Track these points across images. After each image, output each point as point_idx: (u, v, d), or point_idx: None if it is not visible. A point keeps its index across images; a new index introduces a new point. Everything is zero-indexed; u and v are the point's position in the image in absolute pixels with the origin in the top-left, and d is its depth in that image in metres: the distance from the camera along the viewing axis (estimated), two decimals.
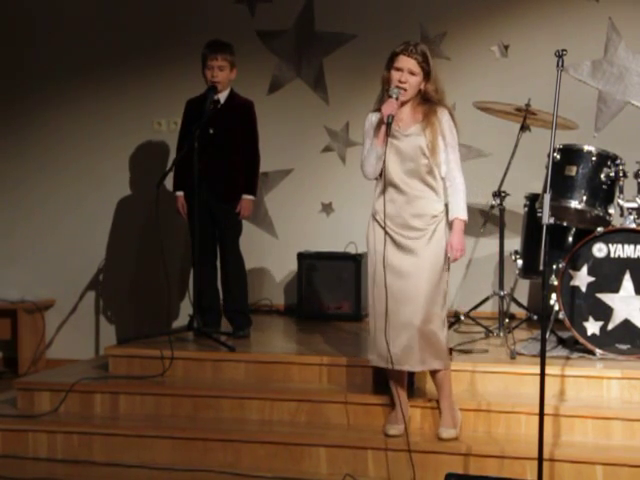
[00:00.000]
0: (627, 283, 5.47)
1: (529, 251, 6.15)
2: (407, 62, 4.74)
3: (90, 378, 5.60)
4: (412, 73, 4.75)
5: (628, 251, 5.48)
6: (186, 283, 7.14)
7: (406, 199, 4.79)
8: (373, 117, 4.87)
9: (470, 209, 4.96)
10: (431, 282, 4.78)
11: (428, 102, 4.82)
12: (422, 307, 4.76)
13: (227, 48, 6.05)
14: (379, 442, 4.92)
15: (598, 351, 5.46)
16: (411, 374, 5.11)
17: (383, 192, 4.81)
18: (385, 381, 5.06)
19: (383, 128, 4.73)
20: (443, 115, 4.80)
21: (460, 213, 4.82)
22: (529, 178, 6.29)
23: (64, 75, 7.48)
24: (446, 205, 4.86)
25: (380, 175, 4.84)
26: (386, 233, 4.79)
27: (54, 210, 7.51)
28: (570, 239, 5.98)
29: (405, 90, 4.75)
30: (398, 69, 4.75)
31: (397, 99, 4.73)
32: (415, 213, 4.78)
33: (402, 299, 4.77)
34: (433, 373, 4.93)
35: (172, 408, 5.39)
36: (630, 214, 5.65)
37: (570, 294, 5.53)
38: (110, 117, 7.44)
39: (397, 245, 4.80)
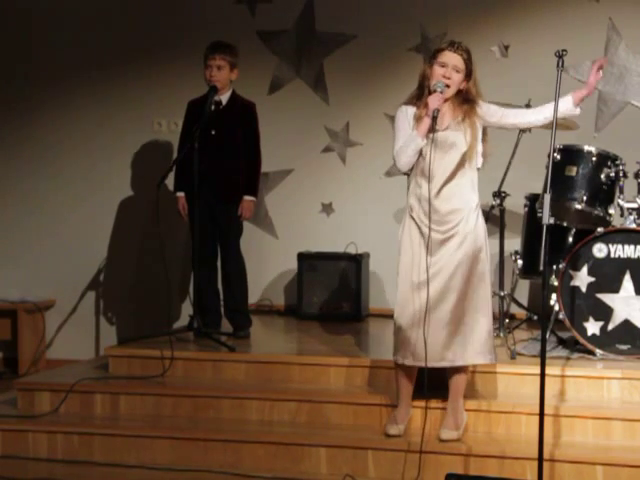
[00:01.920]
0: (627, 283, 5.47)
1: (529, 251, 6.15)
2: (453, 58, 4.71)
3: (90, 378, 5.60)
4: (456, 70, 4.71)
5: (628, 251, 5.48)
6: (186, 283, 7.15)
7: (443, 195, 4.75)
8: (408, 110, 4.80)
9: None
10: (471, 279, 4.74)
11: (469, 102, 4.78)
12: (462, 304, 4.74)
13: (227, 48, 6.04)
14: (379, 442, 4.92)
15: (598, 351, 5.46)
16: (424, 374, 5.03)
17: (419, 188, 4.77)
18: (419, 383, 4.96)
19: (427, 121, 4.67)
20: (480, 105, 4.77)
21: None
22: (529, 178, 6.29)
23: (64, 75, 7.48)
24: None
25: (411, 170, 4.80)
26: (421, 229, 4.75)
27: (54, 210, 7.51)
28: (570, 239, 5.98)
29: (448, 87, 4.70)
30: (443, 64, 4.71)
31: (442, 92, 4.67)
32: (451, 208, 4.75)
33: (440, 295, 4.73)
34: (453, 372, 4.88)
35: (172, 408, 5.39)
36: (630, 214, 5.65)
37: (570, 294, 5.53)
38: (110, 117, 7.44)
39: (435, 244, 4.75)
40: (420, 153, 4.73)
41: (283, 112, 7.20)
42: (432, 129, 4.67)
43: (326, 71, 7.23)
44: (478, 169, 4.83)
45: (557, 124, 4.51)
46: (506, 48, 6.95)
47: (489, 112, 4.82)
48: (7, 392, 5.95)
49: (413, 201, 4.81)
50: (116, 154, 7.41)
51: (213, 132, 6.02)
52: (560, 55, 4.49)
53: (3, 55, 7.59)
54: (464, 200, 4.78)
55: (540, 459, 4.22)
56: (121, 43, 7.40)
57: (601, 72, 4.79)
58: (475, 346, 4.79)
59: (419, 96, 4.80)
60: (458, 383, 4.90)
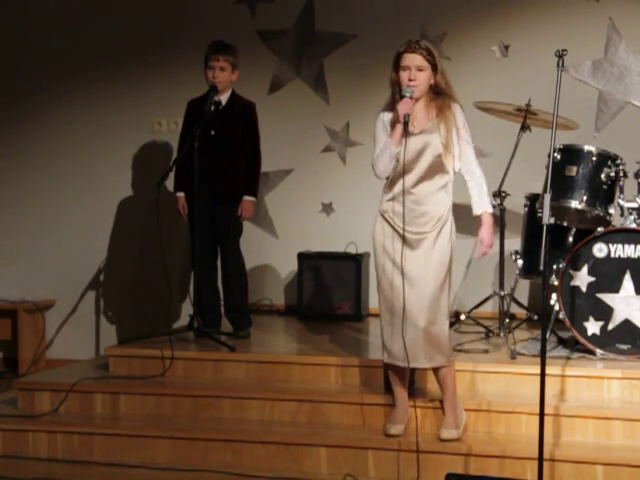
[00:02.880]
0: (627, 283, 5.47)
1: (529, 251, 6.15)
2: (413, 59, 4.73)
3: (90, 378, 5.60)
4: (420, 69, 4.73)
5: (628, 251, 5.48)
6: (187, 283, 7.15)
7: (415, 198, 4.77)
8: (385, 116, 4.84)
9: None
10: (436, 281, 4.77)
11: (440, 96, 4.80)
12: (427, 305, 4.76)
13: (229, 49, 6.04)
14: (380, 442, 4.92)
15: (598, 351, 5.46)
16: (412, 373, 5.12)
17: (392, 190, 4.81)
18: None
19: (399, 127, 4.70)
20: (457, 110, 4.81)
21: (487, 207, 4.84)
22: (529, 178, 6.29)
23: (64, 75, 7.48)
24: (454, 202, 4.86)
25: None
26: (395, 231, 4.79)
27: (54, 210, 7.52)
28: (570, 239, 5.98)
29: (416, 87, 4.73)
30: (405, 68, 4.74)
31: (411, 98, 4.71)
32: (424, 211, 4.77)
33: (409, 297, 4.75)
34: (436, 371, 4.92)
35: (172, 408, 5.39)
36: (630, 214, 5.65)
37: (570, 294, 5.53)
38: (110, 117, 7.44)
39: (405, 243, 4.77)
40: (397, 159, 4.76)
41: (283, 112, 7.20)
42: (404, 134, 4.69)
43: (326, 71, 7.23)
44: (455, 173, 4.84)
45: (557, 124, 4.50)
46: (506, 48, 6.95)
47: (459, 121, 4.81)
48: (7, 392, 5.95)
49: (386, 202, 4.84)
50: (116, 154, 7.41)
51: (213, 132, 6.02)
52: (560, 55, 4.49)
53: (3, 55, 7.59)
54: (437, 204, 4.79)
55: (540, 459, 4.22)
56: (121, 43, 7.40)
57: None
58: (437, 348, 4.81)
59: (394, 102, 4.82)
60: (446, 380, 4.91)
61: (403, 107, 4.69)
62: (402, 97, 4.72)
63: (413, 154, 4.77)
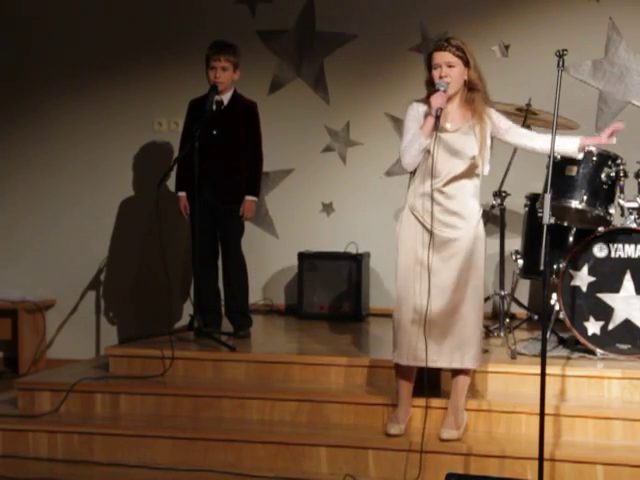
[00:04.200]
0: (628, 283, 5.47)
1: (530, 251, 6.15)
2: (442, 56, 4.73)
3: (91, 378, 5.60)
4: (450, 65, 4.72)
5: (629, 251, 5.48)
6: (187, 283, 7.15)
7: (445, 196, 4.76)
8: (420, 107, 4.81)
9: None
10: (469, 282, 4.76)
11: (474, 92, 4.79)
12: (459, 306, 4.75)
13: (231, 49, 6.04)
14: (380, 442, 4.92)
15: (599, 351, 5.46)
16: (434, 375, 5.07)
17: (422, 187, 4.77)
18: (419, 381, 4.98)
19: (431, 120, 4.68)
20: (492, 114, 4.81)
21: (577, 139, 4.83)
22: (530, 178, 6.29)
23: (64, 75, 7.48)
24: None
25: (416, 169, 4.80)
26: (425, 229, 4.75)
27: (55, 210, 7.52)
28: (571, 239, 5.98)
29: (449, 83, 4.73)
30: (436, 66, 4.74)
31: (445, 91, 4.69)
32: (454, 211, 4.76)
33: (439, 298, 4.73)
34: (456, 373, 4.89)
35: (173, 408, 5.38)
36: (631, 214, 5.65)
37: (571, 294, 5.53)
38: (110, 117, 7.44)
39: (433, 242, 4.74)
40: (428, 152, 4.73)
41: (283, 112, 7.20)
42: (435, 128, 4.67)
43: (326, 71, 7.23)
44: (483, 176, 4.84)
45: (557, 124, 4.50)
46: (506, 48, 6.95)
47: (499, 119, 4.84)
48: (7, 392, 5.95)
49: (416, 199, 4.80)
50: (116, 154, 7.42)
51: (214, 132, 6.02)
52: (560, 55, 4.49)
53: (3, 55, 7.59)
54: (467, 205, 4.78)
55: (540, 459, 4.22)
56: (121, 43, 7.40)
57: (614, 138, 4.82)
58: (471, 351, 4.81)
59: (429, 98, 4.80)
60: (461, 384, 4.90)
61: (436, 100, 4.67)
62: (437, 90, 4.71)
63: (446, 152, 4.74)
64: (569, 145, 4.84)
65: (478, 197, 4.84)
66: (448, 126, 4.76)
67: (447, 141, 4.74)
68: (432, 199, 4.70)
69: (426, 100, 4.79)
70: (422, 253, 4.74)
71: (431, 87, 4.77)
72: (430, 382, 4.92)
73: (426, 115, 4.74)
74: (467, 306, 4.77)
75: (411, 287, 4.78)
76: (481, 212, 4.84)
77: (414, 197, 4.81)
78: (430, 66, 4.77)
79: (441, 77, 4.72)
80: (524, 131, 4.96)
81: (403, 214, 4.85)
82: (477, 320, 4.82)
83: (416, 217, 4.80)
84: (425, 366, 4.74)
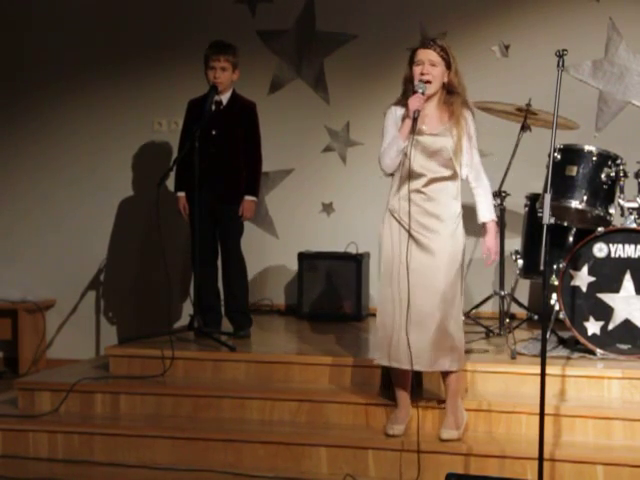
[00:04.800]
0: (628, 283, 5.47)
1: (530, 251, 6.15)
2: (426, 54, 4.75)
3: (91, 378, 5.60)
4: (433, 64, 4.74)
5: (629, 251, 5.48)
6: (187, 283, 7.15)
7: (425, 197, 4.77)
8: (397, 111, 4.84)
9: (471, 209, 4.96)
10: (447, 281, 4.76)
11: (453, 95, 4.80)
12: (437, 307, 4.75)
13: (230, 49, 6.04)
14: (380, 442, 4.92)
15: (599, 351, 5.46)
16: (419, 374, 5.11)
17: (401, 189, 4.79)
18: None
19: (408, 123, 4.70)
20: (469, 116, 4.82)
21: (493, 215, 4.87)
22: (530, 178, 6.29)
23: (64, 75, 7.48)
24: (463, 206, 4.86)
25: (397, 171, 4.82)
26: (404, 230, 4.77)
27: (55, 210, 7.52)
28: (571, 239, 5.98)
29: (429, 82, 4.73)
30: (419, 63, 4.75)
31: (423, 94, 4.71)
32: (434, 212, 4.77)
33: (419, 298, 4.74)
34: (445, 374, 4.90)
35: (173, 408, 5.39)
36: (631, 214, 5.65)
37: (571, 294, 5.52)
38: (110, 117, 7.44)
39: (415, 243, 4.76)
40: (405, 154, 4.74)
41: (283, 112, 7.20)
42: (413, 130, 4.69)
43: (326, 71, 7.23)
44: (462, 180, 4.85)
45: (557, 124, 4.50)
46: (506, 48, 6.95)
47: (470, 130, 4.83)
48: (7, 392, 5.95)
49: (395, 201, 4.83)
50: (116, 154, 7.42)
51: (214, 132, 6.02)
52: (560, 55, 4.49)
53: (3, 55, 7.59)
54: (447, 207, 4.80)
55: (540, 459, 4.22)
56: (121, 43, 7.40)
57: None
58: (453, 353, 4.82)
59: (406, 98, 4.81)
60: (453, 384, 4.90)
61: (414, 102, 4.69)
62: (414, 92, 4.72)
63: (424, 154, 4.76)
64: (480, 213, 4.87)
65: (459, 199, 4.85)
66: (425, 128, 4.77)
67: (424, 143, 4.77)
68: (409, 200, 4.72)
69: (404, 102, 4.80)
70: (402, 255, 4.76)
71: (409, 84, 4.79)
72: (430, 382, 4.94)
73: (404, 118, 4.76)
74: (446, 308, 4.77)
75: (392, 289, 4.81)
76: (461, 214, 4.84)
77: (394, 199, 4.84)
78: (412, 62, 4.79)
79: (422, 74, 4.73)
80: (479, 167, 4.89)
81: (385, 216, 4.88)
82: (457, 322, 4.82)
83: (396, 219, 4.82)
84: (410, 368, 4.76)
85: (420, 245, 4.77)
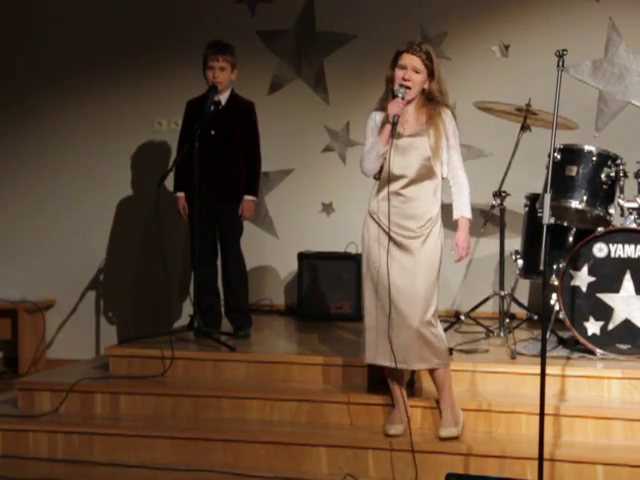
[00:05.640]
0: (627, 283, 5.47)
1: (530, 251, 6.15)
2: (411, 60, 4.76)
3: (90, 378, 5.60)
4: (416, 71, 4.76)
5: (628, 251, 5.48)
6: (187, 283, 7.15)
7: (404, 199, 4.81)
8: (377, 116, 4.87)
9: (471, 209, 4.96)
10: (427, 282, 4.79)
11: (432, 102, 4.83)
12: (419, 306, 4.77)
13: (229, 49, 6.05)
14: (380, 442, 4.92)
15: (599, 351, 5.46)
16: (411, 373, 5.13)
17: (381, 191, 4.83)
18: (382, 380, 5.06)
19: (388, 127, 4.74)
20: (447, 116, 4.83)
21: (465, 212, 4.85)
22: (529, 178, 6.29)
23: (64, 75, 7.48)
24: (442, 206, 4.86)
25: (380, 174, 4.85)
26: (383, 231, 4.80)
27: (55, 210, 7.52)
28: (570, 239, 5.98)
29: (409, 88, 4.76)
30: (402, 67, 4.77)
31: (403, 99, 4.74)
32: (412, 214, 4.80)
33: (398, 298, 4.77)
34: (433, 372, 4.93)
35: (172, 408, 5.39)
36: (630, 214, 5.65)
37: (571, 294, 5.52)
38: (110, 117, 7.44)
39: (393, 244, 4.80)
40: (385, 158, 4.77)
41: (283, 112, 7.20)
42: (392, 134, 4.71)
43: (326, 71, 7.23)
44: (443, 178, 4.86)
45: (557, 124, 4.50)
46: (506, 48, 6.95)
47: (449, 128, 4.82)
48: (7, 392, 5.95)
49: (374, 203, 4.86)
50: (116, 154, 7.41)
51: (213, 132, 6.02)
52: (560, 55, 4.49)
53: (3, 55, 7.59)
54: (425, 207, 4.81)
55: (540, 459, 4.22)
56: (121, 43, 7.40)
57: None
58: (431, 350, 4.82)
59: (387, 99, 4.85)
60: (441, 380, 4.91)
61: (393, 108, 4.72)
62: (394, 97, 4.74)
63: (402, 156, 4.80)
64: (454, 210, 4.85)
65: (438, 198, 4.86)
66: (401, 130, 4.80)
67: (402, 145, 4.80)
68: (389, 201, 4.75)
69: (383, 106, 4.82)
70: (381, 256, 4.79)
71: (390, 84, 4.81)
72: (429, 382, 4.93)
73: (383, 123, 4.79)
74: (426, 307, 4.79)
75: (373, 290, 4.84)
76: (439, 214, 4.85)
77: (373, 201, 4.88)
78: (395, 64, 4.79)
79: (404, 79, 4.75)
80: (457, 166, 4.85)
81: (366, 218, 4.90)
82: (433, 321, 4.83)
83: (375, 220, 4.85)
84: (395, 366, 4.79)
85: (399, 246, 4.80)
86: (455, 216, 4.87)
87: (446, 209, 4.93)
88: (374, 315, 4.87)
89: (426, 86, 4.82)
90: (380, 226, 4.83)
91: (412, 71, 4.76)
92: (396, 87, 4.76)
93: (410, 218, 4.79)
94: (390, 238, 4.80)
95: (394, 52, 4.82)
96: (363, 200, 7.09)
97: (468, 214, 4.86)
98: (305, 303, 6.96)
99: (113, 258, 7.48)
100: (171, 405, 5.39)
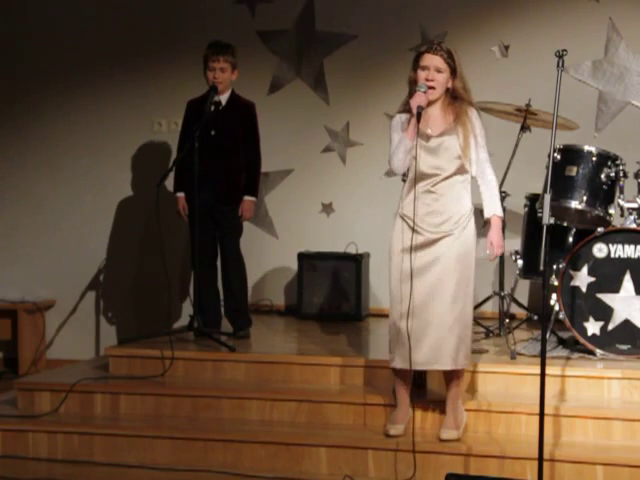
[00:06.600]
0: (627, 283, 5.47)
1: (529, 251, 6.15)
2: (433, 59, 4.75)
3: (90, 378, 5.60)
4: (438, 70, 4.75)
5: (628, 251, 5.48)
6: (186, 283, 7.15)
7: (435, 197, 4.78)
8: (402, 117, 4.85)
9: (478, 208, 4.96)
10: (460, 281, 4.78)
11: (457, 100, 4.82)
12: (451, 306, 4.76)
13: (229, 49, 6.05)
14: (379, 442, 4.92)
15: (598, 351, 5.46)
16: (422, 374, 5.10)
17: (412, 191, 4.80)
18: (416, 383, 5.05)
19: (413, 120, 4.71)
20: (473, 114, 4.83)
21: (497, 210, 4.85)
22: (529, 178, 6.29)
23: (64, 75, 7.48)
24: (474, 205, 4.87)
25: (407, 173, 4.84)
26: (415, 232, 4.77)
27: (55, 210, 7.51)
28: (570, 239, 5.98)
29: (433, 88, 4.75)
30: (424, 68, 4.76)
31: (425, 92, 4.72)
32: (444, 212, 4.78)
33: (431, 298, 4.76)
34: (449, 373, 4.90)
35: (172, 408, 5.39)
36: (630, 214, 5.65)
37: (570, 294, 5.53)
38: (110, 117, 7.44)
39: (426, 245, 4.78)
40: (413, 157, 4.76)
41: (283, 112, 7.20)
42: (417, 124, 4.70)
43: (326, 71, 7.23)
44: (472, 177, 4.86)
45: (557, 124, 4.50)
46: (506, 48, 6.95)
47: (475, 128, 4.83)
48: (7, 392, 5.95)
49: (405, 203, 4.84)
50: (116, 154, 7.41)
51: (213, 132, 6.02)
52: (560, 55, 4.49)
53: (3, 55, 7.59)
54: (457, 205, 4.81)
55: (540, 459, 4.22)
56: (121, 43, 7.40)
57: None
58: (462, 351, 4.82)
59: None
60: (455, 384, 4.90)
61: (416, 99, 4.71)
62: (416, 91, 4.73)
63: (430, 155, 4.78)
64: (484, 209, 4.86)
65: (469, 196, 4.85)
66: (429, 131, 4.80)
67: (430, 144, 4.79)
68: (414, 200, 4.74)
69: (407, 107, 4.81)
70: (416, 257, 4.76)
71: (413, 86, 4.80)
72: (430, 382, 4.93)
73: (409, 121, 4.77)
74: (457, 307, 4.78)
75: (402, 291, 4.81)
76: (472, 211, 4.85)
77: (404, 201, 4.86)
78: (416, 65, 4.79)
79: (427, 80, 4.75)
80: (485, 164, 4.85)
81: (396, 219, 4.89)
82: (467, 321, 4.83)
83: (405, 221, 4.83)
84: (412, 368, 4.77)
85: (430, 246, 4.78)
86: (486, 215, 4.86)
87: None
88: (402, 317, 4.79)
89: (450, 85, 4.80)
90: (411, 227, 4.79)
91: (435, 71, 4.75)
92: (418, 85, 4.74)
93: (441, 217, 4.78)
94: (421, 239, 4.75)
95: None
96: (363, 200, 7.16)
97: (500, 212, 4.86)
98: (305, 303, 6.95)
99: (113, 258, 7.48)
100: (171, 405, 5.39)
